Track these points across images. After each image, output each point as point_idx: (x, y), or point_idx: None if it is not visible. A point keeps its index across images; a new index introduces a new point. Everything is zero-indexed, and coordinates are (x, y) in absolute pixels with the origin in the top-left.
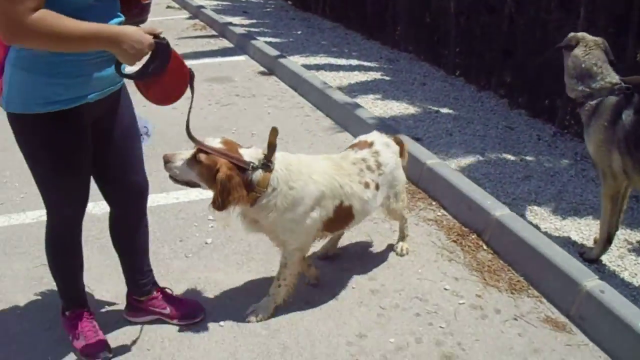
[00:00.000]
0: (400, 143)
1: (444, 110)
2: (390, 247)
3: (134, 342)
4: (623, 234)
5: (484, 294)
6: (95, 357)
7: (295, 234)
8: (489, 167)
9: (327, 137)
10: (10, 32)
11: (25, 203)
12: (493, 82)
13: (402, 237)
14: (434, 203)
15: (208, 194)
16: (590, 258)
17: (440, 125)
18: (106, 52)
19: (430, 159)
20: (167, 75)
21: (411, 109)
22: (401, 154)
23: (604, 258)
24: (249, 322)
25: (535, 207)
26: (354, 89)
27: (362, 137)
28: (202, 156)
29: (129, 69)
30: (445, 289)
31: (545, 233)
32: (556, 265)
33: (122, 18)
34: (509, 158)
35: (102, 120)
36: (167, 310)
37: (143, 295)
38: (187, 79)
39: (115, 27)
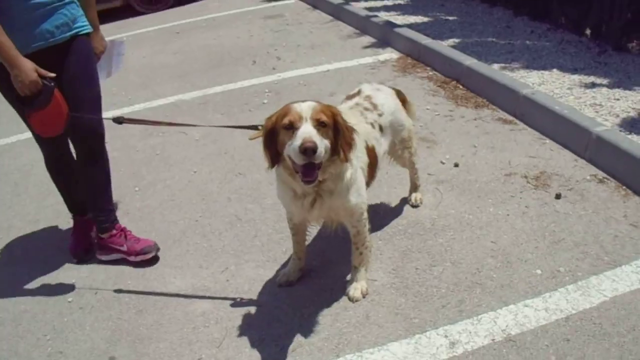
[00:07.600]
0: (400, 94)
1: (452, 18)
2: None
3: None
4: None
5: (454, 109)
6: (74, 254)
7: (361, 191)
8: (478, 47)
9: (353, 40)
10: None
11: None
12: None
13: (415, 188)
14: (427, 68)
15: None
16: None
17: (446, 26)
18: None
19: (425, 40)
20: (45, 113)
21: (424, 19)
22: (405, 107)
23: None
24: (356, 300)
25: (505, 64)
26: (379, 10)
27: (350, 93)
28: (324, 116)
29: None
30: (427, 109)
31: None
32: (504, 84)
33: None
34: (499, 42)
35: (47, 68)
36: (125, 247)
37: (104, 232)
38: (63, 120)
39: (16, 53)
